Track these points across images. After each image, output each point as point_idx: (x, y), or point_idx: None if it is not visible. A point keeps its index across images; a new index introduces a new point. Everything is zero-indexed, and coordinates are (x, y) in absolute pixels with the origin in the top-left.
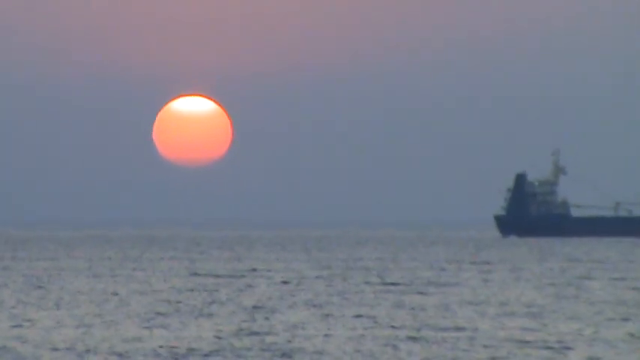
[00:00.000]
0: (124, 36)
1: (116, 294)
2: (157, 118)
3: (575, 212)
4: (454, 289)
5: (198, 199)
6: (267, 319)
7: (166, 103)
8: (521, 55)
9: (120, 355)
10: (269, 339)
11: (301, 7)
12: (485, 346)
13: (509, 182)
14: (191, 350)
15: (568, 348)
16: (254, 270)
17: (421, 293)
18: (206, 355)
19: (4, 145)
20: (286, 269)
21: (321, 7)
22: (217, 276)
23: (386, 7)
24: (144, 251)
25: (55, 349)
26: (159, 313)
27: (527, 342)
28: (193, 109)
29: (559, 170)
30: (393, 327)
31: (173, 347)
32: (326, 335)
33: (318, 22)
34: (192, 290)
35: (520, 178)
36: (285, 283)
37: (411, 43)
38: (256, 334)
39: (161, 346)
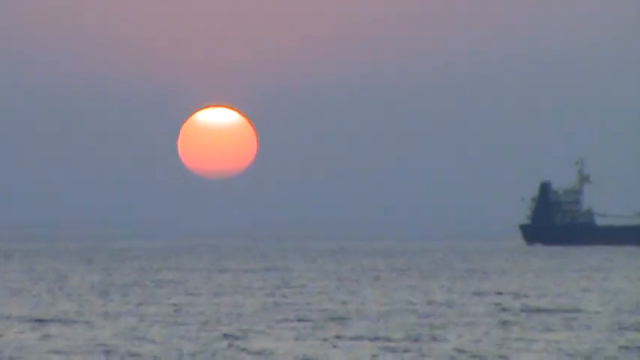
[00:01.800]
0: (150, 46)
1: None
2: (181, 130)
3: (599, 221)
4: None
5: (223, 210)
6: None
7: (191, 114)
8: (546, 64)
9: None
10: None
11: (325, 17)
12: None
13: (534, 191)
14: None
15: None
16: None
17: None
18: None
19: (28, 151)
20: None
21: (343, 16)
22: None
23: (399, 16)
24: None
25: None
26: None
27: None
28: (218, 120)
29: (583, 179)
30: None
31: None
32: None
33: (342, 28)
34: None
35: (545, 187)
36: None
37: (435, 49)
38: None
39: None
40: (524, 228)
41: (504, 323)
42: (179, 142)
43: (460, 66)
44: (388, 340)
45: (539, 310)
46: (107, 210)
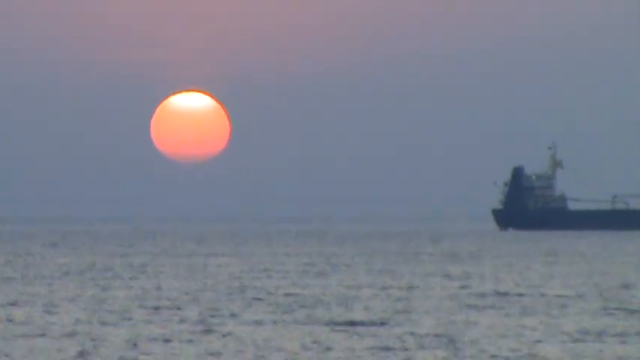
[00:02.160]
0: (121, 30)
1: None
2: (154, 114)
3: (572, 206)
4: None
5: (196, 194)
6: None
7: (164, 99)
8: (519, 47)
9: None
10: None
11: (301, 2)
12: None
13: (507, 176)
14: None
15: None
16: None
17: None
18: None
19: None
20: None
21: (319, 2)
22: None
23: (372, 2)
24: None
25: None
26: None
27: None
28: (191, 104)
29: (556, 164)
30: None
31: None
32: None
33: (315, 14)
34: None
35: (517, 172)
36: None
37: (408, 39)
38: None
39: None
40: (496, 213)
41: (470, 307)
42: (152, 126)
43: (433, 50)
44: (353, 324)
45: (502, 294)
46: (80, 193)
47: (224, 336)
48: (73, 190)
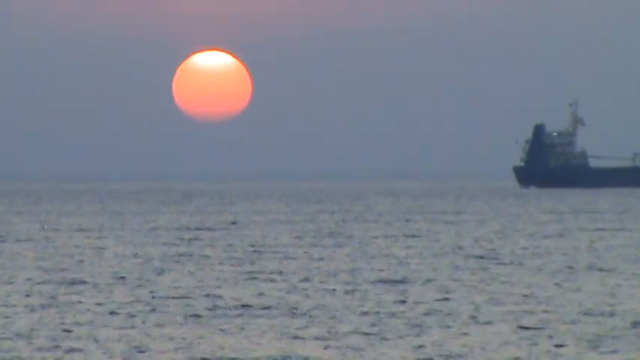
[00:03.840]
0: None
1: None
2: (176, 73)
3: (593, 163)
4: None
5: (218, 152)
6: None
7: (187, 57)
8: (540, 6)
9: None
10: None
11: None
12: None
13: (528, 134)
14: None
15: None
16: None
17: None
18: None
19: (24, 100)
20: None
21: None
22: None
23: None
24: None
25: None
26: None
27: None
28: (213, 63)
29: (577, 121)
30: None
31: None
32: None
33: None
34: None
35: (538, 130)
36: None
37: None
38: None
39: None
40: (517, 170)
41: (458, 268)
42: (174, 85)
43: (453, 8)
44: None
45: (485, 257)
46: (102, 151)
47: (166, 297)
48: (94, 148)
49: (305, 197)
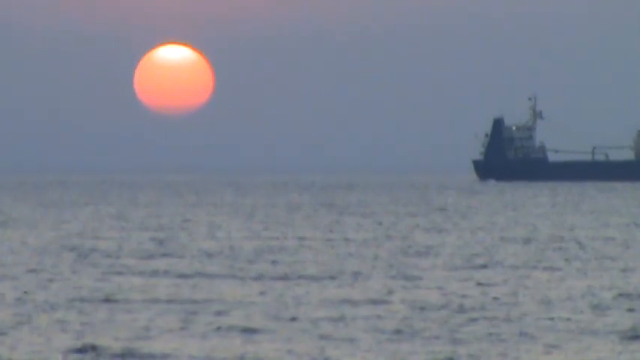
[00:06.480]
0: None
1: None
2: (138, 66)
3: (552, 157)
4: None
5: (179, 146)
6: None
7: (148, 51)
8: (497, 0)
9: None
10: None
11: None
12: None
13: (487, 127)
14: None
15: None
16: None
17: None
18: None
19: None
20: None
21: None
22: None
23: None
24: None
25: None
26: None
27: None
28: (175, 56)
29: (536, 115)
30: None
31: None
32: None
33: None
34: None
35: (498, 123)
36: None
37: None
38: None
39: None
40: (477, 164)
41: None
42: (136, 79)
43: (411, 1)
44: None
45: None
46: (65, 146)
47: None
48: (55, 141)
49: (255, 191)
